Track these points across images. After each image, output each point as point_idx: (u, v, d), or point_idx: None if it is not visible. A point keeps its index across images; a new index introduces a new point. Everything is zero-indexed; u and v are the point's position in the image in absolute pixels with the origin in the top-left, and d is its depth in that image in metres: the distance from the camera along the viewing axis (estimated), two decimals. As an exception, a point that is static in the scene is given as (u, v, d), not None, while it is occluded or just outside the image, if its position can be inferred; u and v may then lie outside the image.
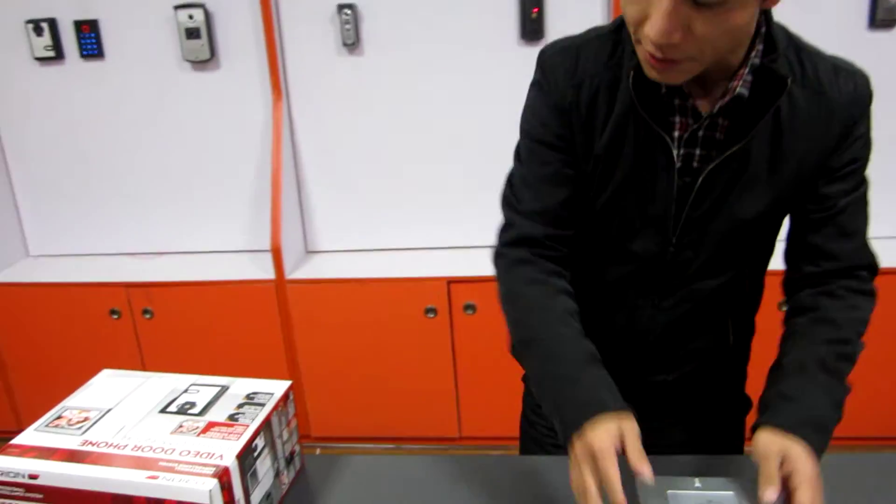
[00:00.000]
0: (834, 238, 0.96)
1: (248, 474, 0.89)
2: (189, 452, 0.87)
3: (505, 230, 1.02)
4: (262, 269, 2.46)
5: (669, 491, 0.85)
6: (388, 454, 1.11)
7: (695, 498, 0.84)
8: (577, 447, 0.81)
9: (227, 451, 0.87)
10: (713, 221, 0.97)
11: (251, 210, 2.62)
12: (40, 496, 0.86)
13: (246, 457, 0.88)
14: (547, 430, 1.17)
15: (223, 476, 0.83)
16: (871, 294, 0.97)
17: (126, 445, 0.89)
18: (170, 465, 0.84)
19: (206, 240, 2.68)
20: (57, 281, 2.55)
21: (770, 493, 0.78)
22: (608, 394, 0.86)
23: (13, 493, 0.86)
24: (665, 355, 1.09)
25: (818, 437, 0.84)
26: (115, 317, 2.51)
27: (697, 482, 0.86)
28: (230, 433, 0.90)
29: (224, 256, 2.66)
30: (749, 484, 0.84)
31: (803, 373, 0.90)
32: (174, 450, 0.87)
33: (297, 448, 1.05)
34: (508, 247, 1.01)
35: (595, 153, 0.96)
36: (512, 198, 1.01)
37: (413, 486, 1.02)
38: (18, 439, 0.91)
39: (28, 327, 2.59)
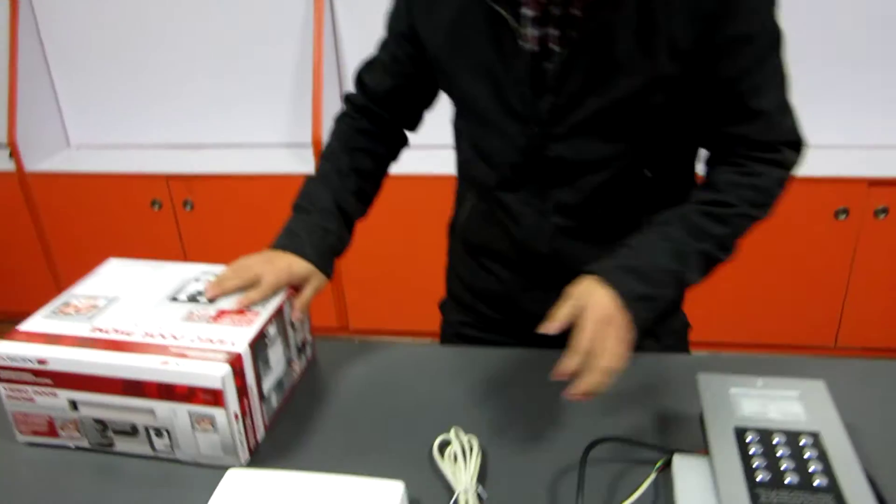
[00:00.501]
0: (739, 121, 0.89)
1: (260, 361, 0.88)
2: (201, 339, 0.85)
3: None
4: (302, 162, 2.42)
5: (732, 389, 0.84)
6: (406, 344, 1.10)
7: (758, 398, 0.83)
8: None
9: (239, 337, 0.85)
10: (580, 108, 0.89)
11: (292, 103, 2.57)
12: (49, 381, 0.84)
13: (258, 344, 0.87)
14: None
15: (236, 362, 0.82)
16: (780, 164, 0.90)
17: (136, 332, 0.87)
18: (181, 351, 0.83)
19: (247, 132, 2.64)
20: (98, 171, 2.52)
21: (543, 327, 0.80)
22: (309, 238, 0.97)
23: (21, 379, 0.85)
24: (568, 268, 0.93)
25: (636, 283, 0.83)
26: (156, 208, 2.49)
27: (759, 382, 0.84)
28: (242, 321, 0.89)
29: (265, 150, 2.63)
30: (810, 384, 0.83)
31: (656, 226, 0.89)
32: (185, 336, 0.86)
33: (308, 338, 1.04)
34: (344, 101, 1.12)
35: (438, 42, 0.95)
36: (363, 64, 1.09)
37: (423, 374, 1.02)
38: (25, 325, 0.89)
39: (70, 218, 2.58)
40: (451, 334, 1.23)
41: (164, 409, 0.83)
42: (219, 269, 0.99)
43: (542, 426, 0.91)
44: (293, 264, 0.95)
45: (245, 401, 0.85)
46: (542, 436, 0.89)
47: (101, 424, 0.87)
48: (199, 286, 0.97)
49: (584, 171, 0.94)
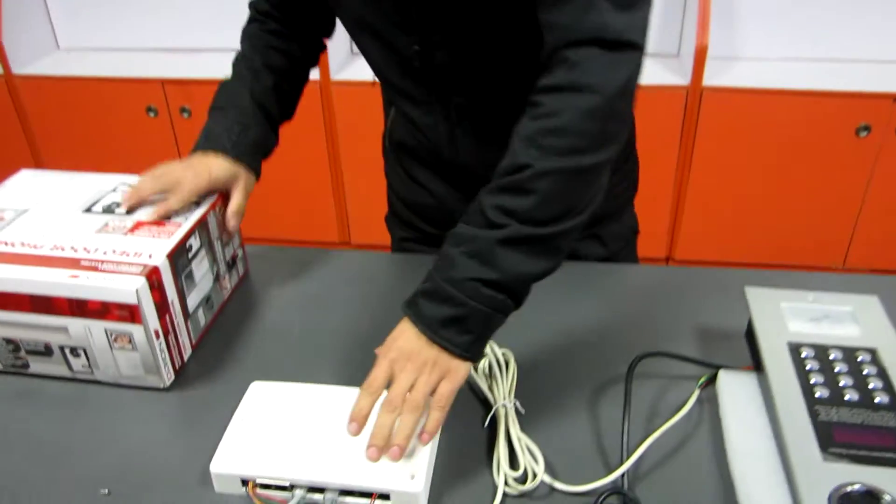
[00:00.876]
0: (550, 6, 0.71)
1: (183, 276, 0.82)
2: (115, 252, 0.79)
3: None
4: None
5: (783, 304, 0.80)
6: (356, 252, 1.05)
7: (810, 312, 0.79)
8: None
9: (156, 249, 0.79)
10: (447, 12, 0.81)
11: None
12: (-48, 299, 0.78)
13: (179, 256, 0.81)
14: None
15: (152, 275, 0.76)
16: (577, 87, 0.68)
17: (44, 245, 0.80)
18: (93, 264, 0.77)
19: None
20: (91, 75, 2.36)
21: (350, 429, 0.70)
22: (227, 135, 0.90)
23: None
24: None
25: (434, 307, 0.69)
26: (152, 115, 2.35)
27: (811, 296, 0.81)
28: (161, 232, 0.82)
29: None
30: (864, 299, 0.80)
31: (454, 231, 0.72)
32: (98, 249, 0.79)
33: (239, 252, 0.98)
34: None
35: None
36: None
37: (372, 284, 0.97)
38: (-77, 239, 0.82)
39: (62, 124, 2.43)
40: (397, 251, 1.18)
41: (78, 327, 0.77)
42: (137, 178, 0.92)
43: (564, 342, 0.88)
44: (213, 165, 0.88)
45: (167, 317, 0.79)
46: (569, 351, 0.85)
47: (13, 344, 0.81)
48: (117, 197, 0.90)
49: (471, 73, 0.88)
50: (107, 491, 0.69)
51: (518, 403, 0.76)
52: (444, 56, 0.86)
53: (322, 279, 1.00)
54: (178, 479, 0.71)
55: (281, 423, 0.71)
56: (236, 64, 0.98)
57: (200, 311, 0.87)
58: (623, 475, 0.69)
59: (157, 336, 0.78)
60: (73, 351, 0.80)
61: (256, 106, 0.94)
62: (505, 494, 0.69)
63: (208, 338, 0.88)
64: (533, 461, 0.71)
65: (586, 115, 0.68)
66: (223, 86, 0.96)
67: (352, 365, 0.84)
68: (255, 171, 0.93)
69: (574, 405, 0.79)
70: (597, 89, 0.67)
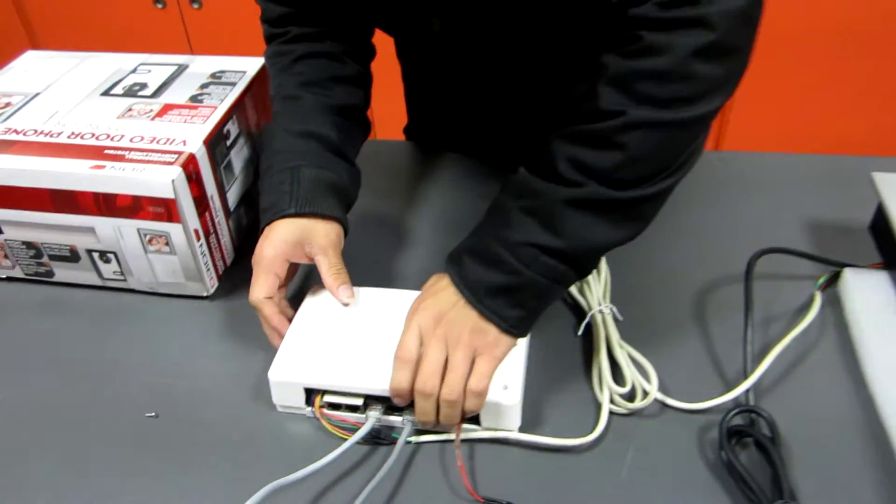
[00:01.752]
0: None
1: (222, 167, 0.71)
2: (142, 138, 0.67)
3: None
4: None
5: None
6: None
7: None
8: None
9: (191, 135, 0.68)
10: None
11: None
12: (-40, 197, 0.67)
13: (216, 144, 0.69)
14: None
15: (188, 164, 0.65)
16: (689, 20, 0.52)
17: (61, 133, 0.69)
18: (119, 153, 0.65)
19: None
20: None
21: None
22: (293, 190, 0.65)
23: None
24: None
25: (483, 270, 0.57)
26: (160, 6, 2.20)
27: None
28: (193, 116, 0.71)
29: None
30: None
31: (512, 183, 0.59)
32: (123, 136, 0.68)
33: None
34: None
35: None
36: None
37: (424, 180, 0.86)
38: (-79, 129, 0.71)
39: (61, 15, 2.27)
40: None
41: (107, 227, 0.67)
42: (160, 57, 0.79)
43: (662, 238, 0.76)
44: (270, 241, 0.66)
45: (207, 215, 0.69)
46: (668, 248, 0.73)
47: (34, 249, 0.71)
48: (139, 78, 0.77)
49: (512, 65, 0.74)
50: (154, 414, 0.61)
51: (615, 309, 0.66)
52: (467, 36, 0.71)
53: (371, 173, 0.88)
54: (228, 396, 0.62)
55: (348, 331, 0.61)
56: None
57: (242, 210, 0.76)
58: (748, 390, 0.60)
59: (198, 237, 0.68)
60: (103, 255, 0.70)
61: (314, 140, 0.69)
62: (611, 413, 0.59)
63: (251, 240, 0.77)
64: (641, 376, 0.61)
65: (697, 55, 0.52)
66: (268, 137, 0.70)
67: (416, 267, 0.74)
68: (335, 217, 0.66)
69: (678, 311, 0.69)
70: (711, 21, 0.51)
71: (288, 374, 0.58)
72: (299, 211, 0.63)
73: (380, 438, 0.58)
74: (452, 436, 0.57)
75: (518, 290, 0.56)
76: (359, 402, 0.58)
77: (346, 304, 0.63)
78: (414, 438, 0.58)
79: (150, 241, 0.67)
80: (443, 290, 0.59)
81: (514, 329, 0.58)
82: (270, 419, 0.60)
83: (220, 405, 0.61)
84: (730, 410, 0.57)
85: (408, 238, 0.79)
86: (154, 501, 0.54)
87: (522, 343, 0.60)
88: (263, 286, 0.62)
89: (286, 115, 0.69)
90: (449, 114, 0.89)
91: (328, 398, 0.58)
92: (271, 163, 0.66)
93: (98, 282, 0.72)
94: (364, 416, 0.58)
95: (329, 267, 0.63)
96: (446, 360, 0.56)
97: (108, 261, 0.70)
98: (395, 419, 0.58)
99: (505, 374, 0.57)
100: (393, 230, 0.80)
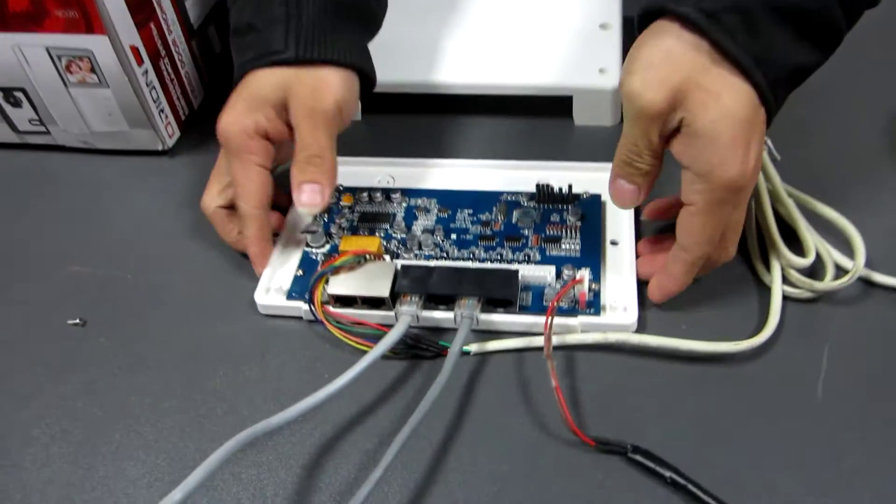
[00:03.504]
0: None
1: (170, -46, 0.47)
2: None
3: None
4: None
5: None
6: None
7: None
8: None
9: None
10: None
11: None
12: None
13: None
14: None
15: (105, -66, 0.41)
16: None
17: None
18: (2, -73, 0.42)
19: None
20: None
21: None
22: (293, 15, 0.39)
23: None
24: None
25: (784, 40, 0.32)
26: None
27: None
28: None
29: None
30: None
31: None
32: None
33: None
34: None
35: None
36: None
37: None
38: None
39: None
40: None
41: (3, 49, 0.45)
42: None
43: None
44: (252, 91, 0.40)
45: (151, 26, 0.46)
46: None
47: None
48: None
49: None
50: (79, 320, 0.40)
51: (771, 143, 0.42)
52: None
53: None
54: (191, 293, 0.41)
55: None
56: None
57: (212, 29, 0.54)
58: None
59: (139, 59, 0.45)
60: (8, 96, 0.48)
61: None
62: (786, 300, 0.37)
63: (227, 72, 0.53)
64: (827, 244, 0.38)
65: None
66: None
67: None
68: (353, 65, 0.40)
69: (872, 144, 0.46)
70: None
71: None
72: (302, 56, 0.38)
73: (420, 348, 0.37)
74: (533, 341, 0.36)
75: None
76: (384, 290, 0.36)
77: (305, 217, 0.42)
78: (475, 347, 0.37)
79: (68, 67, 0.45)
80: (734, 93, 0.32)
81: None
82: (250, 324, 0.39)
83: (177, 307, 0.41)
84: None
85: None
86: (76, 451, 0.34)
87: None
88: (221, 186, 0.41)
89: None
90: None
91: (334, 287, 0.37)
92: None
93: (13, 137, 0.51)
94: (393, 312, 0.37)
95: (302, 147, 0.38)
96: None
97: (16, 103, 0.48)
98: (443, 316, 0.37)
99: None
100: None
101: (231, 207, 0.41)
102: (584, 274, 0.37)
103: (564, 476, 0.32)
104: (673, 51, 0.31)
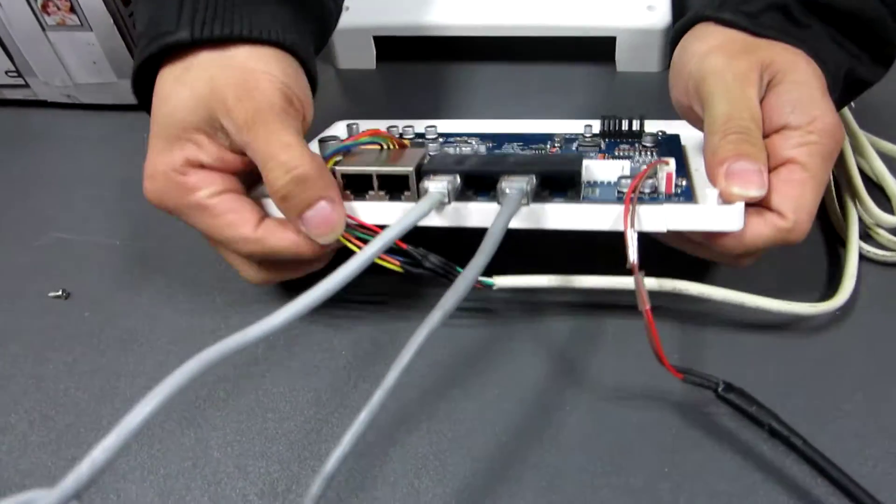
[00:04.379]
0: None
1: None
2: None
3: None
4: None
5: None
6: None
7: None
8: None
9: None
10: None
11: None
12: None
13: None
14: None
15: None
16: None
17: None
18: None
19: None
20: None
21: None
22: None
23: None
24: None
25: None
26: None
27: None
28: None
29: None
30: None
31: None
32: None
33: None
34: None
35: None
36: None
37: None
38: None
39: None
40: None
41: (-29, -12, 0.40)
42: None
43: None
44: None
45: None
46: None
47: None
48: None
49: None
50: (62, 292, 0.35)
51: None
52: None
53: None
54: (187, 256, 0.37)
55: None
56: None
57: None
58: None
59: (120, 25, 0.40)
60: (-20, 43, 0.43)
61: None
62: (865, 260, 0.33)
63: None
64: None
65: None
66: None
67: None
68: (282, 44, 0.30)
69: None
70: None
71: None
72: (199, 36, 0.28)
73: (431, 267, 0.29)
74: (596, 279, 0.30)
75: None
76: (409, 166, 0.28)
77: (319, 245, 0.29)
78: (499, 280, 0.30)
79: (44, 6, 0.40)
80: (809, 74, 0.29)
81: None
82: (252, 297, 0.35)
83: (171, 278, 0.36)
84: None
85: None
86: (58, 439, 0.30)
87: None
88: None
89: None
90: None
91: (343, 166, 0.29)
92: None
93: (-10, 94, 0.46)
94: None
95: (270, 167, 0.27)
96: None
97: (-10, 53, 0.43)
98: (482, 208, 0.28)
99: None
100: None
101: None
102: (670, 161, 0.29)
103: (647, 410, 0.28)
104: (731, 37, 0.30)
